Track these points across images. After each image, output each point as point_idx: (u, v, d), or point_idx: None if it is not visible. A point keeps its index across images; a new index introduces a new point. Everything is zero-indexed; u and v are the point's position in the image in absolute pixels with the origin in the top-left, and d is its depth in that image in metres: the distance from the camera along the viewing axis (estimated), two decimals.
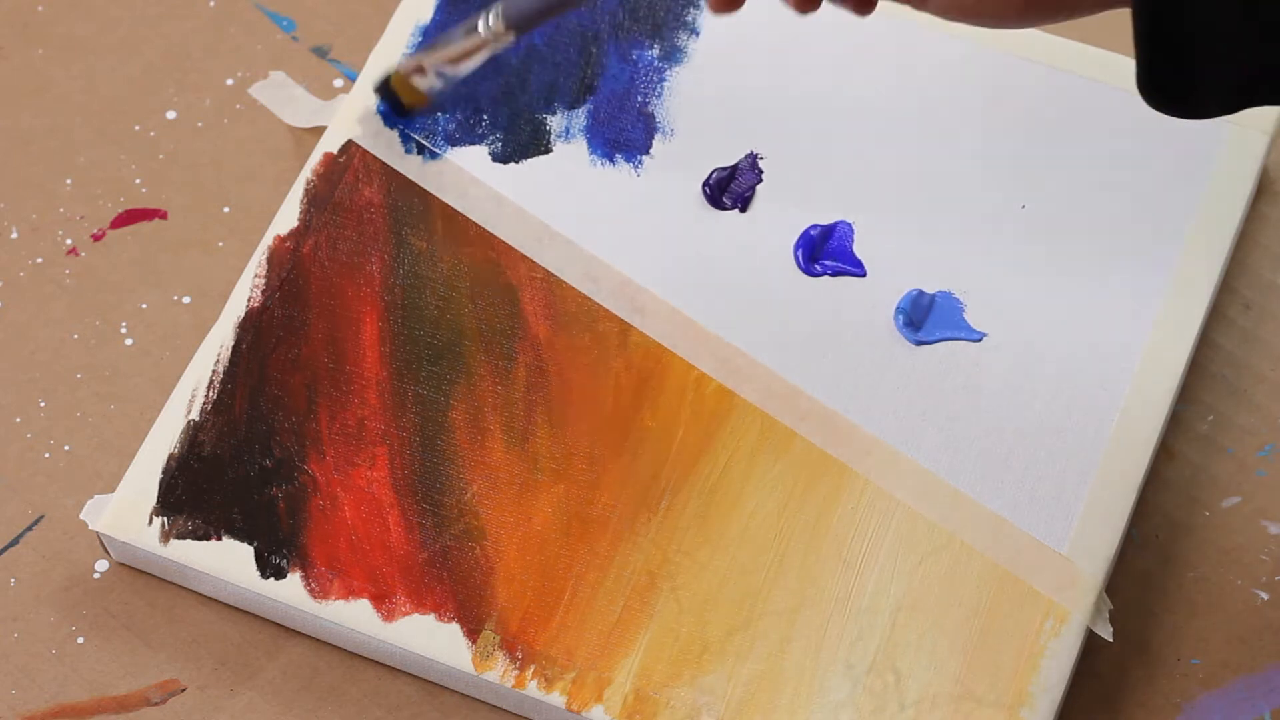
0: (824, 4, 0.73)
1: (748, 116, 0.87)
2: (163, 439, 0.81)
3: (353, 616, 0.78)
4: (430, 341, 0.83)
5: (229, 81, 0.91)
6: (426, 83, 0.85)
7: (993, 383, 0.82)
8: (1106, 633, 0.78)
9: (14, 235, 0.88)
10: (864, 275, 0.84)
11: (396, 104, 0.86)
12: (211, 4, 0.93)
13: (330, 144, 0.87)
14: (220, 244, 0.88)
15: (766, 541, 0.79)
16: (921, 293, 0.83)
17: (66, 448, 0.84)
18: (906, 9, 0.72)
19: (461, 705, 0.79)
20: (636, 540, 0.79)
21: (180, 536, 0.80)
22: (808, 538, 0.79)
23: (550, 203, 0.86)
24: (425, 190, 0.86)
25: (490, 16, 0.81)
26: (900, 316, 0.83)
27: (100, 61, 0.92)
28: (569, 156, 0.87)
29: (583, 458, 0.81)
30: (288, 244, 0.85)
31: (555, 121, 0.87)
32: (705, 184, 0.86)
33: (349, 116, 0.87)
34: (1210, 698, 0.79)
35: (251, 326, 0.83)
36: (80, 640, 0.81)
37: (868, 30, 0.88)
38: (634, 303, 0.83)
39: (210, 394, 0.82)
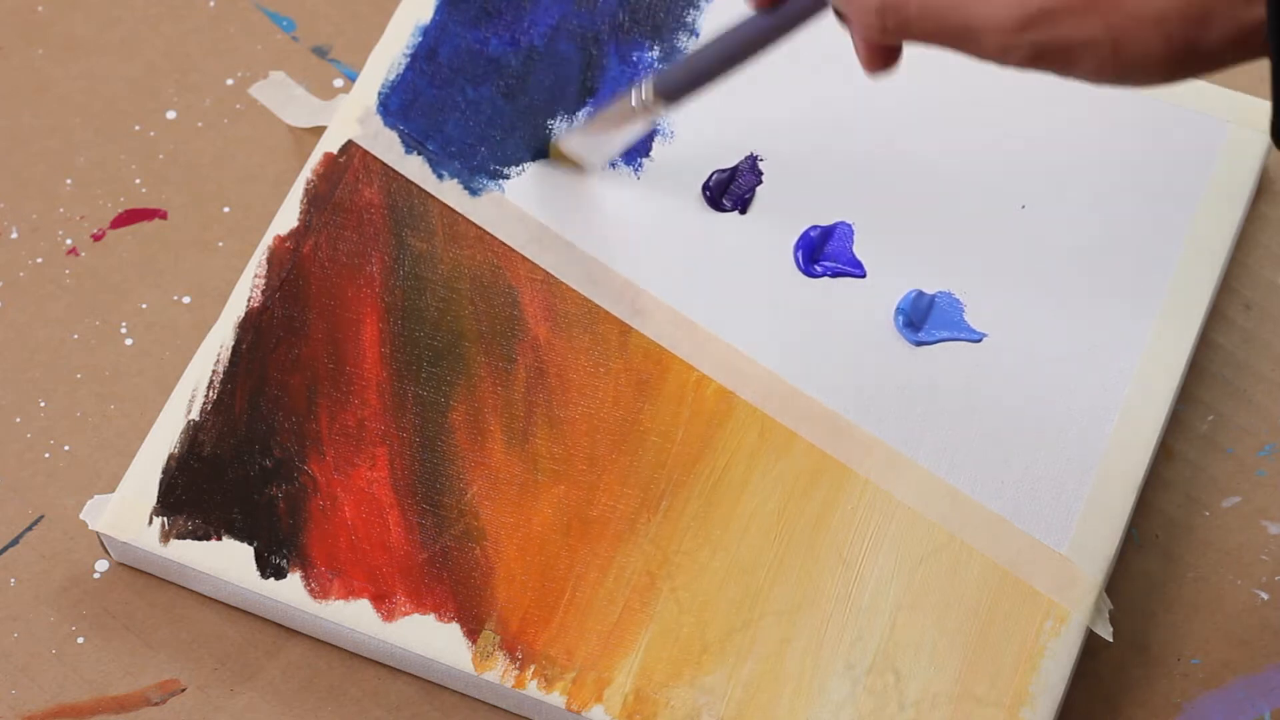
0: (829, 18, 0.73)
1: (748, 118, 0.87)
2: (163, 439, 0.81)
3: (353, 616, 0.78)
4: (430, 342, 0.83)
5: (229, 81, 0.91)
6: (584, 156, 0.85)
7: (993, 383, 0.82)
8: (1106, 633, 0.78)
9: (14, 235, 0.88)
10: (864, 276, 0.84)
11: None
12: (211, 4, 0.93)
13: (330, 144, 0.87)
14: (220, 244, 0.88)
15: (766, 541, 0.79)
16: (921, 293, 0.83)
17: (66, 448, 0.84)
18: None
19: (461, 705, 0.79)
20: (636, 540, 0.79)
21: (180, 536, 0.80)
22: (808, 538, 0.79)
23: (550, 204, 0.86)
24: (425, 191, 0.86)
25: (643, 89, 0.81)
26: (900, 316, 0.83)
27: (100, 61, 0.92)
28: None
29: (583, 458, 0.81)
30: (288, 244, 0.85)
31: (555, 123, 0.87)
32: (705, 186, 0.86)
33: (349, 116, 0.87)
34: (1210, 698, 0.79)
35: (251, 326, 0.83)
36: (80, 640, 0.81)
37: None
38: (634, 304, 0.83)
39: (210, 394, 0.82)
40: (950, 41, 0.66)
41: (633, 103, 0.81)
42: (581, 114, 0.87)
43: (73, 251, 0.88)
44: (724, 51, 0.78)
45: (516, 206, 0.86)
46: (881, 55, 0.71)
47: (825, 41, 0.89)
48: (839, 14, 0.71)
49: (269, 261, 0.84)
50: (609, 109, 0.83)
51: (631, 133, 0.84)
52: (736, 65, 0.78)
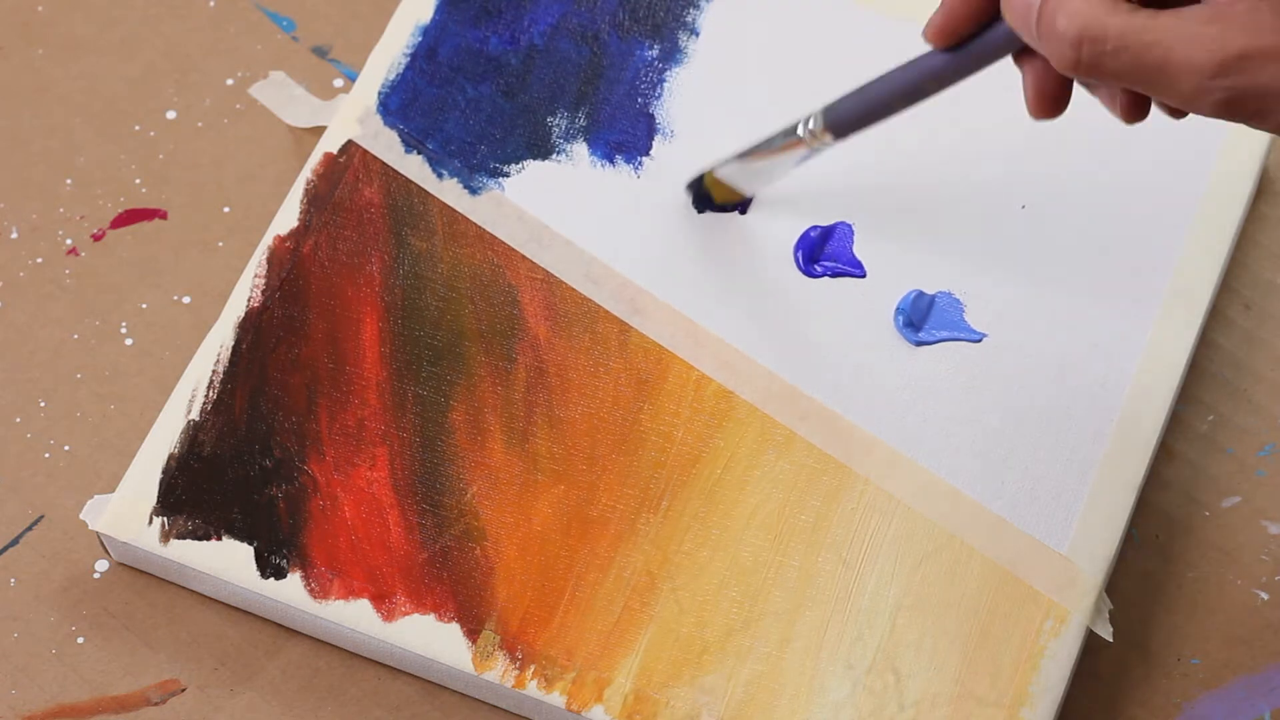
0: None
1: (748, 116, 0.87)
2: (163, 439, 0.81)
3: (353, 616, 0.78)
4: (430, 342, 0.83)
5: (229, 81, 0.91)
6: (741, 184, 0.84)
7: (993, 383, 0.82)
8: (1106, 633, 0.78)
9: (14, 235, 0.88)
10: (864, 276, 0.84)
11: (707, 199, 0.85)
12: (211, 4, 0.93)
13: (330, 144, 0.87)
14: (220, 244, 0.88)
15: (766, 541, 0.79)
16: (921, 293, 0.83)
17: (66, 448, 0.84)
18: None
19: (461, 705, 0.79)
20: (637, 540, 0.79)
21: (180, 536, 0.80)
22: (808, 538, 0.79)
23: (550, 204, 0.86)
24: (425, 190, 0.86)
25: (811, 120, 0.79)
26: (900, 316, 0.83)
27: (100, 61, 0.92)
28: (569, 157, 0.87)
29: (583, 458, 0.81)
30: (288, 244, 0.85)
31: (555, 122, 0.87)
32: None
33: (349, 116, 0.87)
34: (1210, 698, 0.79)
35: (251, 326, 0.83)
36: (80, 640, 0.81)
37: (866, 31, 0.88)
38: (633, 303, 0.83)
39: (210, 394, 0.82)
40: (1142, 81, 0.64)
41: (799, 132, 0.80)
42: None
43: (73, 251, 0.88)
44: (899, 88, 0.75)
45: (516, 205, 0.86)
46: (1055, 98, 0.69)
47: (827, 40, 0.89)
48: (1018, 57, 0.69)
49: (269, 261, 0.84)
50: (772, 137, 0.81)
51: (793, 162, 0.81)
52: (911, 103, 0.75)
